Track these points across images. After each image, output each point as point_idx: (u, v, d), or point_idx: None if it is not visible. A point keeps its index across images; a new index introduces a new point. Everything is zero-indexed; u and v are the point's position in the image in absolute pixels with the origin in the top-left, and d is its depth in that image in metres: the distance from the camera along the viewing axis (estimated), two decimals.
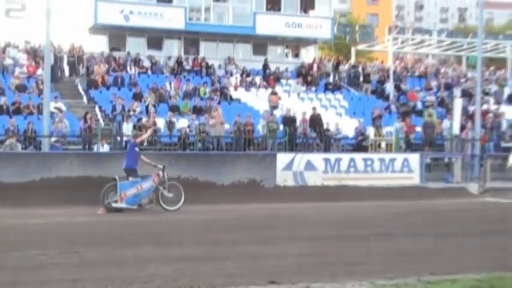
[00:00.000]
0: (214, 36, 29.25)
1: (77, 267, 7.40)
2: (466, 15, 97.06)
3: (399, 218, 12.80)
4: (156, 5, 27.71)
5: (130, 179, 13.33)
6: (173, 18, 27.65)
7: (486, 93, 27.20)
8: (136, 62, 26.34)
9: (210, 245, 9.13)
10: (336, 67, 29.48)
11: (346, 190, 17.02)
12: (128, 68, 25.73)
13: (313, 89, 26.89)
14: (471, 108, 23.95)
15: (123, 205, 13.13)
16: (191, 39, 29.40)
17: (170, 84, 24.29)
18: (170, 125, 19.93)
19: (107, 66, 25.23)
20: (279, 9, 29.67)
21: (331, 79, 28.30)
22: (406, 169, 18.45)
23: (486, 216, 13.31)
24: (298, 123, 21.32)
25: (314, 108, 22.47)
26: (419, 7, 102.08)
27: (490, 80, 30.02)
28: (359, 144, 20.76)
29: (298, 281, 6.61)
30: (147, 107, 21.27)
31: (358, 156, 18.37)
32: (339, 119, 23.27)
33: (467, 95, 26.30)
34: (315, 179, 17.32)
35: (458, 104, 21.83)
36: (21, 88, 22.04)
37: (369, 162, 18.15)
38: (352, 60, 31.84)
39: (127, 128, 19.40)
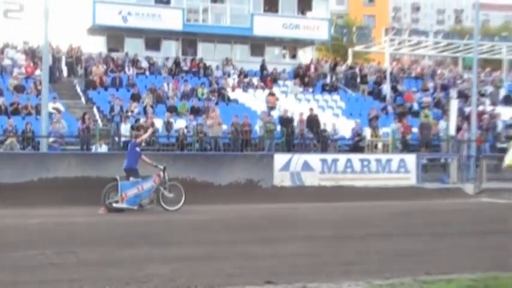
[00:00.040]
0: (212, 37, 29.31)
1: (74, 267, 7.40)
2: (462, 17, 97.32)
3: (395, 218, 12.83)
4: (154, 6, 27.76)
5: (131, 179, 13.38)
6: (171, 19, 27.71)
7: (482, 95, 27.27)
8: (135, 62, 26.36)
9: (207, 245, 9.14)
10: (333, 68, 29.58)
11: (343, 190, 17.11)
12: (126, 69, 25.75)
13: (311, 89, 26.96)
14: (467, 109, 24.04)
15: (124, 205, 13.19)
16: (189, 40, 29.45)
17: (168, 85, 24.32)
18: (168, 125, 19.97)
19: (105, 67, 25.26)
20: (277, 11, 29.74)
21: (328, 80, 28.35)
22: (403, 169, 18.56)
23: (482, 217, 13.34)
24: (295, 123, 21.40)
25: (311, 109, 22.53)
26: (416, 9, 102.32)
27: (485, 81, 30.10)
28: (355, 145, 20.84)
29: (295, 281, 6.61)
30: (145, 108, 21.29)
31: (355, 157, 18.47)
32: (336, 119, 23.35)
33: (464, 96, 26.41)
34: (312, 180, 17.41)
35: (454, 105, 21.88)
36: (19, 89, 22.06)
37: (365, 163, 18.26)
38: (349, 62, 31.95)
39: (125, 128, 19.45)
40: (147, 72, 26.35)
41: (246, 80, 26.64)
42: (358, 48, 32.88)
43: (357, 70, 29.47)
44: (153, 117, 20.01)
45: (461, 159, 19.96)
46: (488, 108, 25.75)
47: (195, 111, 21.81)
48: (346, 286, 6.48)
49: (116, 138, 19.37)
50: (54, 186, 14.66)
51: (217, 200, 14.81)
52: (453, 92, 26.96)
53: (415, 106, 25.65)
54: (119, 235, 10.32)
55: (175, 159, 15.91)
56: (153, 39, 28.90)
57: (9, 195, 13.91)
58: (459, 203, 16.09)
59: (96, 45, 27.87)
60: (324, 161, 17.88)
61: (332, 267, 7.51)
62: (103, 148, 18.15)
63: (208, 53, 29.10)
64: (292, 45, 31.66)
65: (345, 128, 22.18)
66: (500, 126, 23.80)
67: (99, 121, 20.94)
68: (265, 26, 28.99)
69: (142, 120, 19.76)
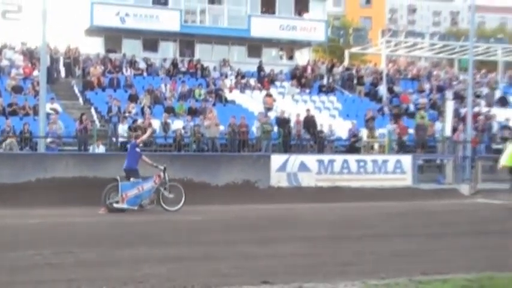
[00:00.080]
0: (209, 39, 29.40)
1: (72, 267, 7.40)
2: (458, 19, 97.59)
3: (391, 219, 12.85)
4: (151, 8, 27.84)
5: (132, 179, 13.43)
6: (169, 21, 27.80)
7: (477, 96, 27.40)
8: (132, 63, 26.42)
9: (204, 246, 9.17)
10: (330, 69, 29.67)
11: (340, 191, 17.16)
12: (124, 70, 25.80)
13: (307, 91, 27.04)
14: (463, 111, 24.15)
15: (124, 206, 13.24)
16: (186, 41, 29.53)
17: (165, 85, 24.38)
18: (165, 126, 20.01)
19: (103, 68, 25.32)
20: (274, 12, 29.86)
21: (325, 81, 28.43)
22: (399, 170, 18.63)
23: (477, 217, 13.33)
24: (292, 124, 21.47)
25: (308, 110, 22.59)
26: (412, 10, 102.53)
27: (481, 82, 30.22)
28: (352, 146, 20.93)
29: (292, 281, 6.62)
30: (142, 109, 21.35)
31: (351, 158, 18.53)
32: (333, 120, 23.42)
33: (459, 97, 26.49)
34: (309, 180, 17.47)
35: (450, 106, 21.97)
36: (17, 89, 22.09)
37: (362, 164, 18.33)
38: (346, 63, 32.05)
39: (122, 129, 19.51)
40: (145, 73, 26.39)
41: (243, 81, 26.71)
42: (355, 49, 32.99)
43: (354, 71, 29.58)
44: (150, 118, 20.05)
45: (457, 160, 20.06)
46: (484, 109, 25.87)
47: (193, 112, 21.87)
48: (342, 286, 6.50)
49: (114, 139, 19.42)
50: (52, 187, 14.70)
51: (215, 200, 14.83)
52: (449, 94, 27.05)
53: (411, 107, 25.75)
54: (117, 235, 10.34)
55: (172, 160, 15.93)
56: (151, 40, 28.97)
57: (7, 196, 13.92)
58: (455, 204, 16.13)
59: (94, 46, 27.93)
60: (320, 161, 17.94)
61: (328, 268, 7.54)
62: (100, 149, 18.20)
63: (206, 54, 29.19)
64: (289, 47, 31.76)
65: (341, 129, 22.26)
66: (495, 127, 23.91)
67: (97, 122, 20.95)
68: (263, 27, 29.10)
69: (139, 121, 19.82)
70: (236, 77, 27.04)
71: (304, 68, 29.08)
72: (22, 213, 12.57)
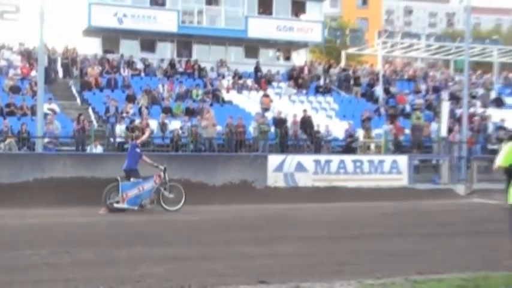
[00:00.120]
0: (206, 39, 29.47)
1: (69, 267, 7.42)
2: (454, 20, 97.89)
3: (388, 219, 12.93)
4: (149, 8, 27.89)
5: (132, 179, 13.50)
6: (166, 21, 27.84)
7: (473, 97, 27.53)
8: (130, 64, 26.44)
9: (201, 245, 9.20)
10: (327, 70, 29.76)
11: (336, 191, 17.23)
12: (121, 70, 25.82)
13: (304, 91, 27.11)
14: (458, 111, 24.23)
15: (124, 205, 13.31)
16: (184, 42, 29.60)
17: (163, 86, 24.43)
18: (163, 126, 20.05)
19: (101, 68, 25.33)
20: (271, 13, 29.93)
21: (321, 82, 28.49)
22: (395, 170, 18.70)
23: (472, 217, 13.43)
24: (289, 125, 21.52)
25: (305, 111, 22.68)
26: (409, 12, 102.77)
27: (477, 83, 30.37)
28: (348, 146, 21.02)
29: (288, 281, 6.67)
30: (140, 109, 21.37)
31: (348, 158, 18.60)
32: (329, 121, 23.50)
33: (455, 98, 26.57)
34: (306, 180, 17.53)
35: (445, 107, 22.07)
36: (15, 89, 22.11)
37: (358, 164, 18.39)
38: (343, 64, 32.14)
39: (120, 129, 19.54)
40: (142, 74, 26.42)
41: (241, 81, 26.77)
42: (352, 50, 33.07)
43: (350, 72, 29.65)
44: (148, 118, 20.08)
45: (453, 161, 20.13)
46: (479, 110, 25.99)
47: (190, 113, 21.92)
48: (338, 286, 6.53)
49: (111, 139, 19.45)
50: (50, 187, 14.73)
51: (212, 200, 14.86)
52: (445, 94, 27.15)
53: (408, 108, 25.85)
54: (115, 235, 10.37)
55: (170, 160, 15.91)
56: (148, 40, 29.02)
57: (5, 196, 13.94)
58: (450, 204, 16.23)
59: (92, 47, 27.95)
60: (317, 161, 18.01)
61: (325, 267, 7.57)
62: (98, 149, 18.23)
63: (203, 55, 29.24)
64: (286, 47, 31.85)
65: (338, 129, 22.35)
66: (490, 128, 24.02)
67: (95, 122, 20.96)
68: (260, 28, 29.18)
69: (137, 121, 19.86)
70: (233, 77, 27.09)
71: (301, 69, 29.16)
72: (20, 213, 12.60)
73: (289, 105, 24.70)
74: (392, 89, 28.05)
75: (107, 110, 20.89)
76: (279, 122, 21.34)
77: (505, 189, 6.48)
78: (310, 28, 30.26)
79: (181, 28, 28.42)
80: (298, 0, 30.48)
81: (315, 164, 17.90)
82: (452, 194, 18.19)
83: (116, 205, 13.32)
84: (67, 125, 19.80)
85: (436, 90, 28.37)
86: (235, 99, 25.07)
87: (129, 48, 28.17)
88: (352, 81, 28.70)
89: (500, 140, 20.95)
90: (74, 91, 24.12)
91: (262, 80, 27.12)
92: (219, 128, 20.54)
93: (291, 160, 17.67)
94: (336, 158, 18.41)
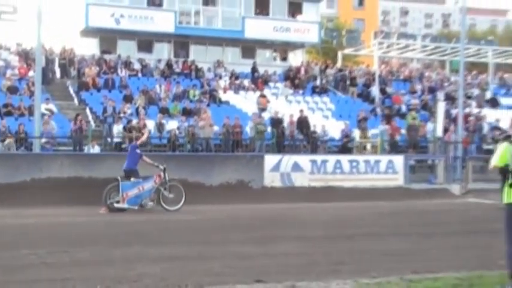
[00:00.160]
0: (203, 40, 29.54)
1: (67, 267, 7.45)
2: (450, 21, 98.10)
3: (383, 218, 12.99)
4: (146, 9, 27.95)
5: (132, 179, 13.56)
6: (163, 22, 27.90)
7: (468, 97, 27.59)
8: (127, 64, 26.47)
9: (198, 245, 9.24)
10: (323, 71, 29.84)
11: (332, 191, 17.29)
12: (119, 71, 25.84)
13: (301, 91, 27.17)
14: (454, 112, 24.33)
15: (125, 205, 13.38)
16: (181, 42, 29.66)
17: (160, 86, 24.46)
18: (160, 126, 20.09)
19: (98, 69, 25.36)
20: (267, 14, 30.01)
21: (318, 82, 28.56)
22: (391, 170, 18.80)
23: (468, 217, 13.50)
24: (285, 125, 21.57)
25: (301, 111, 22.72)
26: (405, 12, 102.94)
27: (472, 84, 30.46)
28: (344, 146, 21.08)
29: (284, 280, 6.70)
30: (137, 109, 21.39)
31: (344, 158, 18.67)
32: (326, 121, 23.54)
33: (450, 98, 26.67)
34: (302, 180, 17.60)
35: (441, 107, 22.12)
36: (12, 90, 22.12)
37: (354, 164, 18.48)
38: (339, 64, 32.21)
39: (117, 129, 19.60)
40: (140, 74, 26.46)
41: (237, 82, 26.83)
42: (348, 51, 33.14)
43: (347, 73, 29.72)
44: (145, 119, 20.11)
45: (448, 160, 20.24)
46: (475, 110, 26.07)
47: (187, 113, 21.97)
48: (334, 285, 6.58)
49: (109, 139, 19.50)
50: (47, 187, 14.77)
51: (209, 200, 14.90)
52: (440, 95, 27.23)
53: (403, 108, 25.93)
54: (112, 235, 10.40)
55: (167, 160, 15.88)
56: (146, 41, 29.07)
57: (2, 195, 13.98)
58: (446, 203, 16.30)
59: (89, 47, 27.99)
60: (313, 161, 18.08)
61: (321, 267, 7.61)
62: (95, 149, 18.26)
63: (200, 55, 29.31)
64: (283, 48, 31.94)
65: (334, 129, 22.41)
66: (486, 128, 24.10)
67: (92, 122, 20.99)
68: (257, 28, 29.27)
69: (134, 122, 19.91)
70: (230, 77, 27.15)
71: (298, 69, 29.23)
72: (17, 213, 12.63)
73: (285, 106, 24.75)
74: (388, 90, 28.13)
75: (104, 110, 20.91)
76: (276, 122, 21.40)
77: (500, 189, 6.53)
78: (306, 29, 30.36)
79: (179, 29, 28.49)
80: (294, 1, 30.58)
81: (311, 164, 17.98)
82: (447, 193, 18.27)
83: (116, 205, 13.39)
84: (64, 125, 19.82)
85: (432, 90, 28.47)
86: (232, 99, 25.12)
87: (126, 49, 28.21)
88: (348, 82, 28.76)
89: (496, 141, 21.03)
90: (72, 91, 24.14)
91: (259, 81, 27.19)
92: (216, 128, 20.58)
93: (288, 160, 17.74)
94: (332, 158, 18.48)
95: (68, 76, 25.54)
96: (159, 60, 27.87)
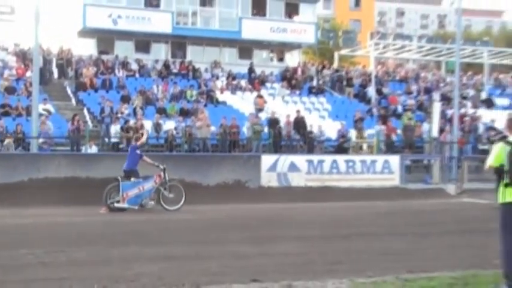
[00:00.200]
0: (201, 40, 29.59)
1: (64, 266, 7.46)
2: (446, 22, 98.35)
3: (379, 218, 13.03)
4: (143, 10, 27.97)
5: (133, 179, 13.63)
6: (161, 23, 27.93)
7: (464, 98, 27.70)
8: (124, 65, 26.48)
9: (195, 245, 9.27)
10: (320, 71, 29.90)
11: (329, 191, 17.36)
12: (116, 71, 25.86)
13: (297, 92, 27.22)
14: (449, 112, 24.43)
15: (125, 205, 13.44)
16: (178, 43, 29.70)
17: (157, 87, 24.48)
18: (157, 127, 20.13)
19: (95, 69, 25.36)
20: (264, 15, 30.07)
21: (314, 83, 28.60)
22: (387, 170, 18.88)
23: (463, 216, 13.53)
24: (282, 125, 21.63)
25: (298, 111, 22.78)
26: (401, 13, 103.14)
27: (467, 84, 30.56)
28: (340, 146, 21.17)
29: (281, 279, 6.71)
30: (134, 109, 21.42)
31: (341, 158, 18.76)
32: (322, 121, 23.62)
33: (446, 99, 26.74)
34: (299, 180, 17.67)
35: (437, 107, 22.23)
36: (10, 90, 22.14)
37: (350, 164, 18.56)
38: (335, 65, 32.29)
39: (115, 129, 19.64)
40: (137, 75, 26.47)
41: (235, 82, 26.87)
42: (344, 51, 33.23)
43: (343, 73, 29.78)
44: (142, 119, 20.15)
45: (444, 161, 20.33)
46: (470, 110, 26.18)
47: (184, 113, 22.00)
48: (330, 284, 6.60)
49: (106, 139, 19.53)
50: (45, 187, 14.80)
51: (206, 200, 14.94)
52: (436, 95, 27.28)
53: (399, 109, 26.00)
54: (109, 234, 10.41)
55: (164, 160, 15.87)
56: (143, 41, 29.10)
57: (0, 195, 13.98)
58: (441, 203, 16.36)
59: (87, 48, 27.98)
60: (310, 162, 18.16)
61: (318, 266, 7.64)
62: (93, 149, 18.30)
63: (197, 56, 29.35)
64: (280, 49, 32.01)
65: (330, 129, 22.49)
66: (481, 128, 24.24)
67: (89, 122, 21.02)
68: (253, 29, 29.32)
69: (132, 122, 19.95)
70: (227, 78, 27.19)
71: (295, 70, 29.29)
72: (15, 212, 12.66)
73: (282, 106, 24.82)
74: (385, 90, 28.20)
75: (102, 111, 20.94)
76: (273, 123, 21.45)
77: (495, 189, 6.59)
78: (303, 29, 30.43)
79: (176, 29, 28.52)
80: (291, 2, 30.65)
81: (307, 164, 18.05)
82: (443, 193, 18.35)
83: (116, 204, 13.46)
84: (62, 126, 19.84)
85: (428, 91, 28.56)
86: (229, 99, 25.16)
87: (123, 49, 28.23)
88: (344, 82, 28.84)
89: (491, 142, 21.15)
90: (69, 92, 24.14)
91: (256, 81, 27.23)
92: (213, 128, 20.62)
93: (284, 160, 17.81)
94: (328, 158, 18.56)
95: (65, 76, 25.52)
96: (157, 61, 27.90)
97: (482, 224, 11.21)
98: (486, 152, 17.96)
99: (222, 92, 25.65)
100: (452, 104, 23.28)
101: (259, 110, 23.68)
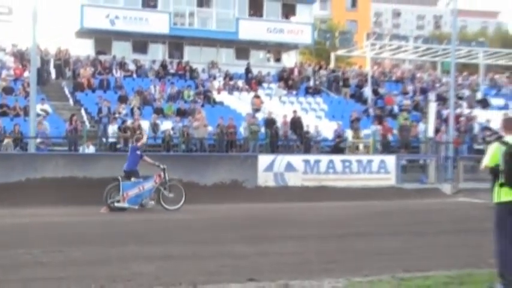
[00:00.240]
0: (198, 41, 29.63)
1: (61, 266, 7.48)
2: (441, 23, 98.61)
3: (376, 218, 13.08)
4: (141, 10, 28.00)
5: (133, 179, 13.68)
6: (158, 23, 27.96)
7: (459, 98, 27.80)
8: (122, 65, 26.50)
9: (192, 244, 9.30)
10: (317, 71, 29.98)
11: (325, 190, 17.39)
12: (114, 71, 25.88)
13: (294, 92, 27.29)
14: (445, 112, 24.47)
15: (125, 205, 13.49)
16: (175, 43, 29.74)
17: (155, 87, 24.52)
18: (154, 127, 20.17)
19: (93, 70, 25.39)
20: (261, 15, 30.12)
21: (311, 83, 28.68)
22: (383, 170, 18.92)
23: (458, 216, 13.60)
24: (279, 125, 21.68)
25: (295, 111, 22.84)
26: (397, 14, 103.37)
27: (463, 85, 30.70)
28: (337, 146, 21.23)
29: (278, 279, 6.74)
30: (132, 110, 21.44)
31: (337, 158, 18.79)
32: (319, 121, 23.68)
33: (442, 99, 26.79)
34: (295, 180, 17.70)
35: (432, 107, 22.25)
36: (8, 90, 22.17)
37: (347, 164, 18.60)
38: (332, 65, 32.37)
39: (112, 129, 19.67)
40: (134, 75, 26.51)
41: (232, 82, 26.93)
42: (341, 52, 33.28)
43: (340, 74, 29.86)
44: (139, 119, 20.20)
45: (439, 160, 20.36)
46: (466, 111, 26.25)
47: (181, 113, 22.05)
48: (327, 283, 6.64)
49: (103, 139, 19.57)
50: (42, 186, 14.80)
51: (203, 200, 14.95)
52: (432, 95, 27.33)
53: (395, 109, 26.07)
54: (107, 234, 10.43)
55: (161, 160, 15.86)
56: (140, 42, 29.13)
57: None
58: (437, 203, 16.42)
59: (84, 48, 28.00)
60: (306, 161, 18.20)
61: (314, 266, 7.67)
62: (90, 149, 18.32)
63: (195, 56, 29.39)
64: (277, 49, 32.07)
65: (327, 129, 22.55)
66: (476, 128, 24.31)
67: (87, 122, 21.05)
68: (250, 30, 29.37)
69: (129, 122, 20.00)
70: (224, 78, 27.24)
71: (291, 70, 29.36)
72: (12, 212, 12.67)
73: (279, 106, 24.87)
74: (381, 90, 28.27)
75: (99, 111, 20.99)
76: (269, 123, 21.52)
77: (490, 189, 6.66)
78: (300, 30, 30.51)
79: (173, 30, 28.57)
80: (288, 2, 30.73)
81: (304, 164, 18.10)
82: (439, 193, 18.42)
83: (116, 204, 13.51)
84: (60, 126, 19.87)
85: (424, 91, 28.65)
86: (226, 100, 25.21)
87: (121, 50, 28.26)
88: (341, 83, 28.92)
89: (487, 142, 21.24)
90: (67, 92, 24.16)
91: (253, 81, 27.30)
92: (210, 128, 20.68)
93: (281, 160, 17.86)
94: (325, 158, 18.60)
95: (63, 77, 25.53)
96: (154, 61, 27.93)
97: (477, 223, 11.24)
98: (481, 152, 18.03)
99: (219, 92, 25.70)
100: (448, 104, 23.33)
101: (256, 110, 23.76)
